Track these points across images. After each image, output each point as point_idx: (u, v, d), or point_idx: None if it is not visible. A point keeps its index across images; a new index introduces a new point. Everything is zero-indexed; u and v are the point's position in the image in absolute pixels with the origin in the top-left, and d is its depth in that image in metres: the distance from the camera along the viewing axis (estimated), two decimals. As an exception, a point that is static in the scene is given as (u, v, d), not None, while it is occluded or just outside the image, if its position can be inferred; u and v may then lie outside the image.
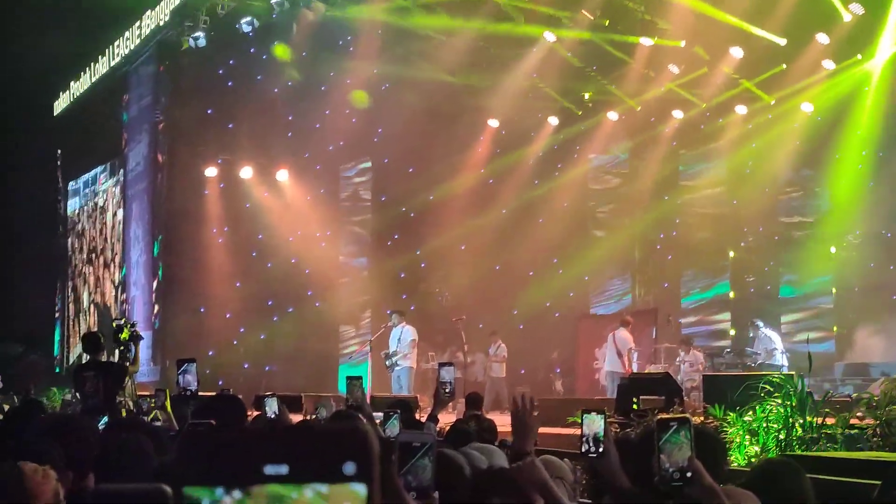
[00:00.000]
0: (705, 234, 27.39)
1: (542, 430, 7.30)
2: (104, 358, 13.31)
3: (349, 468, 1.23)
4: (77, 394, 14.27)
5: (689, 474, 3.44)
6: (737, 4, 21.44)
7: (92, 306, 27.89)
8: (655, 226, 28.00)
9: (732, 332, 25.96)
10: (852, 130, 24.71)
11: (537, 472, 4.29)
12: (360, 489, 1.23)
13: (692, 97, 25.26)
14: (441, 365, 7.77)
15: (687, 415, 3.65)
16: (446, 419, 14.50)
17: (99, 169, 27.78)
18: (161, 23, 23.33)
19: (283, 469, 1.22)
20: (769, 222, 26.91)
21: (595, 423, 4.69)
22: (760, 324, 20.59)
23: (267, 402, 8.85)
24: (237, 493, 1.22)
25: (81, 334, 21.77)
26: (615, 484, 4.78)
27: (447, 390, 7.55)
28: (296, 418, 9.91)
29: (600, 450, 4.65)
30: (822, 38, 22.74)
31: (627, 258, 28.23)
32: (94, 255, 28.20)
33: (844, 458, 9.14)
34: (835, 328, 24.89)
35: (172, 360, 22.02)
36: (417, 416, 10.33)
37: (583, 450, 4.69)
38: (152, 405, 9.83)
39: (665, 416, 3.58)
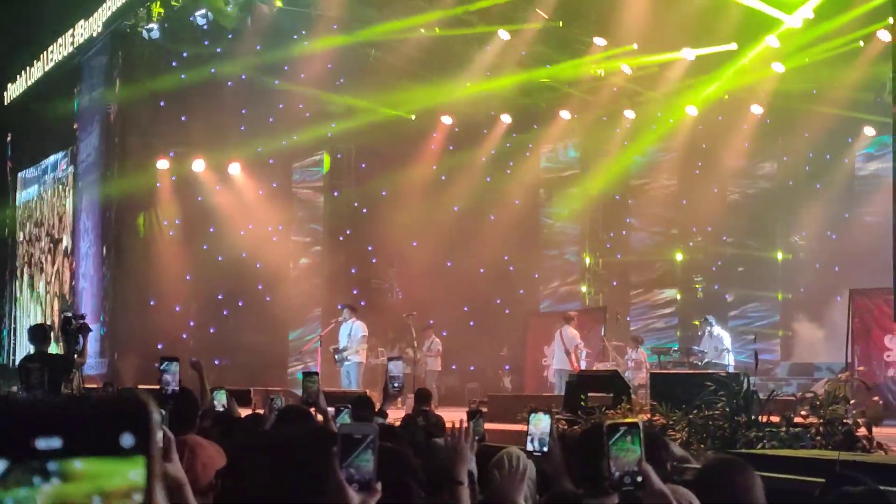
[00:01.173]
0: (655, 233, 27.66)
1: (491, 426, 7.39)
2: (50, 350, 13.23)
3: (127, 440, 1.13)
4: (23, 385, 14.18)
5: (639, 479, 3.49)
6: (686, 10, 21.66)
7: (48, 297, 27.64)
8: (605, 225, 28.21)
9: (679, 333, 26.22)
10: (800, 132, 25.07)
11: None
12: (138, 462, 1.13)
13: (642, 90, 25.39)
14: (390, 360, 7.85)
15: (637, 419, 3.69)
16: (395, 414, 14.57)
17: (59, 155, 27.49)
18: (115, 12, 23.17)
19: (56, 442, 1.12)
20: (718, 222, 27.17)
21: (542, 423, 4.76)
22: (712, 320, 20.79)
23: (216, 394, 8.89)
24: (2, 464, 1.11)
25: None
26: (555, 483, 4.86)
27: (396, 385, 7.62)
28: (244, 412, 9.92)
29: (544, 449, 4.73)
30: (772, 41, 23.01)
31: (577, 256, 28.40)
32: (51, 244, 27.92)
33: (788, 456, 9.30)
34: (780, 332, 25.18)
35: (121, 352, 21.98)
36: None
37: (528, 448, 4.76)
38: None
39: (614, 420, 3.61)
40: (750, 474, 4.58)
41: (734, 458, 5.27)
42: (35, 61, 27.01)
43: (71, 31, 25.08)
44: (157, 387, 7.32)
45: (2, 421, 1.14)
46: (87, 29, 24.44)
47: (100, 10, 23.72)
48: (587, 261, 28.12)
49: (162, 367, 7.11)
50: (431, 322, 23.24)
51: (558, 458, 4.72)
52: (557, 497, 4.74)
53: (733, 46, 23.19)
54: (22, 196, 29.95)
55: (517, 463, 4.89)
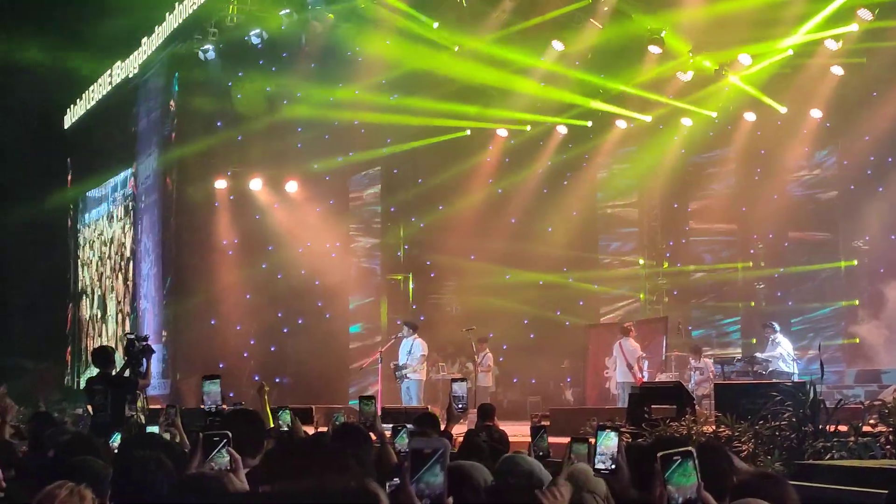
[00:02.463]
0: (715, 241, 27.41)
1: (554, 440, 7.30)
2: (115, 371, 13.30)
3: None
4: (88, 408, 14.29)
5: (613, 465, 3.48)
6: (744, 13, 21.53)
7: (111, 317, 27.88)
8: (665, 234, 28.00)
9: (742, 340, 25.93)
10: (860, 135, 24.73)
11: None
12: None
13: (699, 110, 25.23)
14: (454, 380, 7.81)
15: (689, 448, 3.57)
16: (458, 429, 14.50)
17: (120, 178, 27.77)
18: (171, 35, 23.40)
19: None
20: (779, 229, 26.85)
21: (610, 441, 4.69)
22: (777, 326, 20.51)
23: (280, 414, 8.88)
24: None
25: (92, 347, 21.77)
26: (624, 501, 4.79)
27: (460, 406, 7.59)
28: (307, 430, 9.91)
29: (612, 467, 4.66)
30: (831, 44, 22.80)
31: (637, 267, 28.21)
32: (111, 266, 28.17)
33: (857, 466, 9.12)
34: (845, 339, 24.76)
35: (183, 373, 22.12)
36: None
37: (597, 466, 4.70)
38: (164, 422, 9.85)
39: (667, 451, 3.52)
40: (785, 488, 4.47)
41: (770, 473, 5.15)
42: (94, 85, 27.31)
43: (129, 55, 25.34)
44: (213, 406, 7.35)
45: None
46: (143, 52, 24.69)
47: (156, 32, 23.96)
48: (647, 270, 27.91)
49: (204, 385, 7.14)
50: (490, 335, 23.15)
51: (627, 477, 4.65)
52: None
53: (789, 52, 23.08)
54: (91, 215, 30.18)
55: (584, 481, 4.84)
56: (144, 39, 24.52)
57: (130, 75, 25.56)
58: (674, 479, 3.42)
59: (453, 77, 23.98)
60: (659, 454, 3.50)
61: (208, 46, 22.63)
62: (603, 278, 28.20)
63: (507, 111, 25.28)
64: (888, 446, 10.52)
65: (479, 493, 4.63)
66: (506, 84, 24.77)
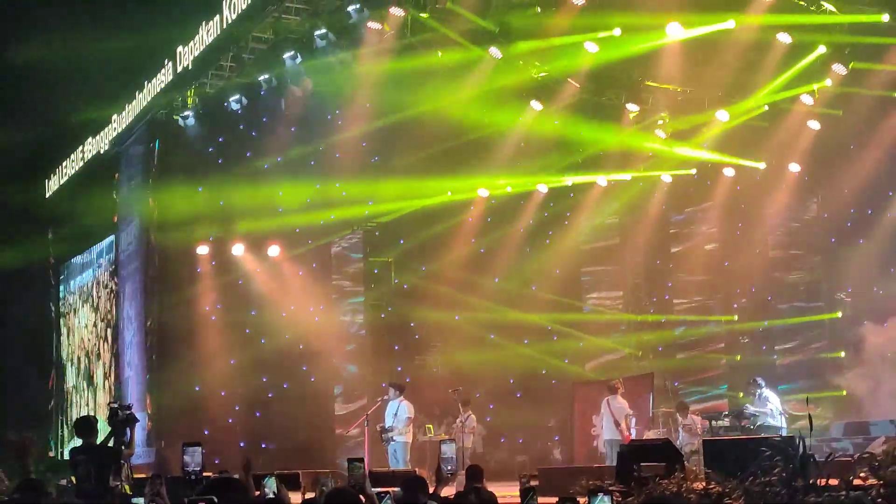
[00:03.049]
0: (698, 296, 27.47)
1: (544, 500, 7.27)
2: (98, 441, 13.18)
3: None
4: (72, 478, 14.13)
5: None
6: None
7: (98, 386, 27.71)
8: (648, 290, 28.06)
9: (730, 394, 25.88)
10: (839, 188, 24.95)
11: None
12: None
13: (677, 172, 25.48)
14: (443, 442, 7.77)
15: None
16: (447, 491, 14.38)
17: (105, 244, 27.73)
18: (150, 102, 23.48)
19: None
20: (761, 283, 26.95)
21: None
22: (762, 382, 20.48)
23: (266, 482, 8.80)
24: None
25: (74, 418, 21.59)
26: None
27: (449, 468, 7.55)
28: (294, 496, 9.82)
29: None
30: (806, 99, 23.09)
31: (621, 322, 28.23)
32: (97, 333, 28.04)
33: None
34: (843, 392, 24.74)
35: (168, 441, 21.91)
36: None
37: None
38: (149, 493, 9.75)
39: None
40: None
41: None
42: (74, 154, 27.34)
43: (108, 123, 25.41)
44: (194, 473, 7.29)
45: None
46: (123, 119, 24.76)
47: (136, 100, 24.05)
48: (631, 326, 27.93)
49: (186, 453, 7.11)
50: (477, 395, 23.05)
51: None
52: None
53: (765, 108, 23.37)
54: (76, 282, 30.06)
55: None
56: (126, 107, 24.57)
57: (110, 143, 25.58)
58: None
59: (433, 138, 24.12)
60: None
61: (188, 113, 22.73)
62: (588, 336, 28.19)
63: (485, 176, 25.46)
64: (879, 500, 10.46)
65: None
66: (486, 145, 24.96)
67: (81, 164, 27.26)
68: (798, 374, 25.85)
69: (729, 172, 25.71)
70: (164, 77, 23.00)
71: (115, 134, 25.25)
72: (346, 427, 24.39)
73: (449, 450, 7.66)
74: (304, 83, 22.31)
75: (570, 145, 25.43)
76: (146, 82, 23.53)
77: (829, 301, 26.02)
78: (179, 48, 22.46)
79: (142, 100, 23.89)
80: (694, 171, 25.92)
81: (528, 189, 26.79)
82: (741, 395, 24.58)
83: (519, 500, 11.16)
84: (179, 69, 22.48)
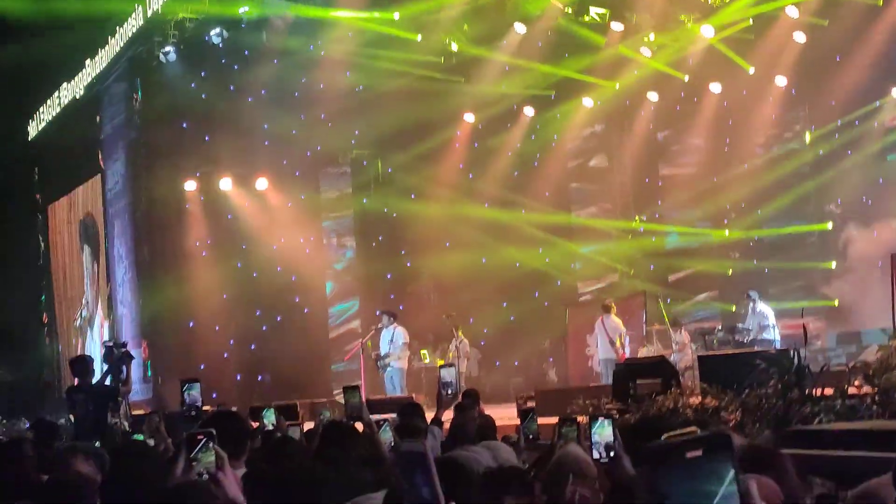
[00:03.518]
0: (688, 214, 27.47)
1: (542, 420, 7.28)
2: (94, 380, 13.22)
3: None
4: (71, 417, 14.18)
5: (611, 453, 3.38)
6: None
7: (95, 325, 27.71)
8: (638, 209, 28.05)
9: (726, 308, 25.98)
10: (826, 100, 24.86)
11: None
12: None
13: (668, 70, 25.25)
14: (442, 367, 7.77)
15: (694, 428, 3.49)
16: (446, 416, 14.47)
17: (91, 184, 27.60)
18: (130, 39, 23.21)
19: None
20: (750, 198, 26.93)
21: (605, 430, 4.64)
22: (755, 296, 20.55)
23: (264, 413, 8.81)
24: None
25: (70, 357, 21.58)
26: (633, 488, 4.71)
27: (449, 392, 7.55)
28: (293, 426, 9.85)
29: (611, 454, 4.61)
30: (792, 11, 22.94)
31: (611, 242, 28.25)
32: (89, 274, 27.95)
33: (848, 429, 9.10)
34: (836, 302, 24.83)
35: (165, 377, 21.98)
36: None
37: (594, 456, 4.65)
38: (147, 429, 9.77)
39: (672, 433, 3.45)
40: (781, 461, 4.40)
41: (761, 447, 5.03)
42: (56, 94, 27.08)
43: (89, 61, 25.14)
44: (195, 409, 7.30)
45: None
46: (103, 58, 24.48)
47: (115, 37, 23.75)
48: (623, 247, 27.96)
49: (183, 389, 7.10)
50: (471, 320, 23.12)
51: (628, 465, 4.58)
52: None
53: (749, 21, 23.21)
54: (65, 221, 29.91)
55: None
56: (105, 45, 24.28)
57: (91, 82, 25.32)
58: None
59: (417, 63, 23.97)
60: (666, 436, 3.42)
61: (168, 48, 22.48)
62: (579, 257, 28.26)
63: (473, 94, 25.31)
64: (875, 407, 10.54)
65: (473, 484, 4.59)
66: (469, 67, 24.82)
67: (59, 108, 26.95)
68: (790, 285, 25.94)
69: (715, 88, 25.58)
70: (143, 13, 22.67)
71: (97, 71, 24.94)
72: (341, 355, 24.53)
73: (448, 374, 7.65)
74: (284, 14, 22.08)
75: (556, 67, 25.26)
76: (127, 19, 23.22)
77: (818, 213, 26.03)
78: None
79: (121, 38, 23.57)
80: (686, 77, 25.70)
81: (515, 113, 26.65)
82: (733, 308, 24.72)
83: (516, 422, 11.24)
84: (150, 13, 22.20)
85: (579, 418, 6.15)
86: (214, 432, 4.31)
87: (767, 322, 19.92)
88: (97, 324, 27.22)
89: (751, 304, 20.48)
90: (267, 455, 6.85)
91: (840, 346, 22.12)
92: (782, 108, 25.98)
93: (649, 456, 2.06)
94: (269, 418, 8.69)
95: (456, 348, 21.98)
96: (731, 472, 2.00)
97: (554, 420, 6.15)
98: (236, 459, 5.39)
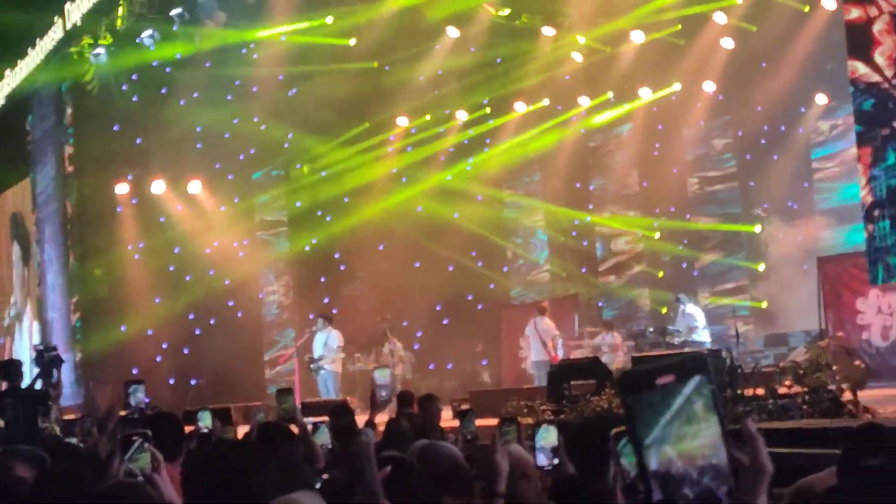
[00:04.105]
0: (618, 217, 27.75)
1: (480, 421, 7.34)
2: (24, 384, 13.07)
3: None
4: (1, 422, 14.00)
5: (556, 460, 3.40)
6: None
7: (13, 325, 27.35)
8: (568, 214, 28.22)
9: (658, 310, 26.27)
10: (752, 106, 25.28)
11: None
12: None
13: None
14: (376, 368, 7.80)
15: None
16: (379, 419, 14.49)
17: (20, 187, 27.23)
18: (59, 41, 22.95)
19: None
20: (680, 202, 27.29)
21: (550, 435, 4.71)
22: (684, 299, 20.83)
23: (200, 416, 8.78)
24: None
25: None
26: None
27: (383, 394, 7.57)
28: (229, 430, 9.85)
29: (555, 461, 4.67)
30: (720, 17, 23.32)
31: (543, 246, 28.44)
32: (14, 274, 27.60)
33: (780, 428, 9.28)
34: (764, 304, 25.21)
35: (96, 381, 21.73)
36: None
37: (539, 463, 4.71)
38: (80, 432, 9.71)
39: (619, 429, 3.46)
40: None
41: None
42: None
43: (19, 61, 24.79)
44: (140, 410, 7.27)
45: None
46: (33, 59, 24.17)
47: (45, 38, 23.47)
48: (555, 247, 28.15)
49: (128, 391, 7.06)
50: (404, 323, 23.12)
51: (571, 472, 4.65)
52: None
53: (678, 27, 23.53)
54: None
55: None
56: (35, 46, 23.95)
57: (20, 84, 24.97)
58: (626, 456, 3.35)
59: (348, 69, 23.98)
60: (613, 432, 3.44)
61: (99, 50, 22.30)
62: (511, 259, 28.45)
63: (406, 98, 25.36)
64: (805, 406, 10.76)
65: (417, 481, 4.63)
66: (402, 71, 24.87)
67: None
68: (719, 288, 26.32)
69: (645, 94, 25.88)
70: (73, 14, 22.42)
71: (26, 72, 24.57)
72: (275, 360, 24.46)
73: (382, 376, 7.67)
74: (217, 16, 21.99)
75: (488, 72, 25.40)
76: (56, 18, 22.95)
77: (747, 216, 26.43)
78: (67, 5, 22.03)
79: (50, 40, 23.28)
80: (611, 94, 26.04)
81: (447, 117, 26.72)
82: (664, 310, 25.01)
83: (453, 423, 11.30)
84: (69, 25, 22.02)
85: (519, 419, 6.23)
86: (150, 433, 4.31)
87: (696, 324, 20.21)
88: (25, 324, 26.89)
89: (680, 307, 20.77)
90: (203, 456, 6.85)
91: (768, 348, 22.49)
92: (710, 114, 26.39)
93: (620, 387, 1.97)
94: (205, 421, 8.67)
95: (390, 351, 22.03)
96: (709, 398, 1.85)
97: (488, 422, 6.22)
98: (172, 462, 5.37)
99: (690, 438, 1.84)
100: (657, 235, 27.12)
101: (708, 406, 1.84)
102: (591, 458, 4.24)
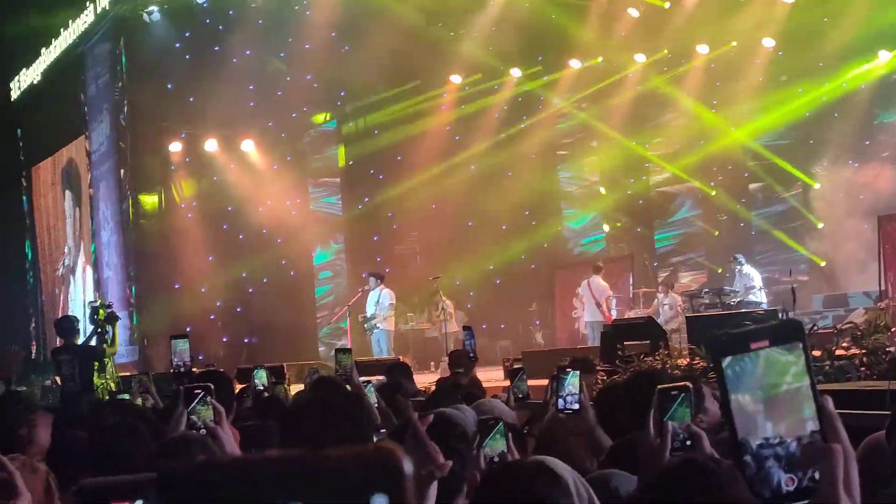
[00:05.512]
0: (675, 174, 27.46)
1: (532, 382, 7.26)
2: (80, 340, 13.18)
3: (379, 502, 0.99)
4: (57, 378, 14.14)
5: (688, 442, 3.33)
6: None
7: (67, 275, 27.61)
8: (625, 171, 27.99)
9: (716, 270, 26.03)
10: (814, 61, 24.85)
11: None
12: None
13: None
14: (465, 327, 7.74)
15: (686, 383, 3.45)
16: (430, 378, 14.46)
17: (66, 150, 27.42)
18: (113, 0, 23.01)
19: None
20: (738, 159, 26.95)
21: (574, 381, 4.65)
22: (742, 259, 20.57)
23: (255, 374, 8.76)
24: None
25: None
26: (594, 441, 4.69)
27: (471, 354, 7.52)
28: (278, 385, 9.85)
29: (575, 406, 4.61)
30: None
31: (599, 205, 28.22)
32: (73, 235, 27.83)
33: (837, 389, 9.12)
34: (821, 262, 24.91)
35: (151, 339, 21.92)
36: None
37: (560, 406, 4.65)
38: (137, 389, 9.75)
39: (666, 385, 3.40)
40: None
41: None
42: (39, 54, 26.85)
43: (72, 21, 24.91)
44: (184, 364, 7.24)
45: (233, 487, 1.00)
46: (87, 17, 24.25)
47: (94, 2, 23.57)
48: (609, 208, 27.94)
49: (174, 345, 7.03)
50: (457, 282, 23.05)
51: (592, 416, 4.59)
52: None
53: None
54: (50, 184, 29.76)
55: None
56: (89, 4, 24.03)
57: (75, 42, 25.08)
58: (676, 414, 3.32)
59: (402, 25, 23.78)
60: (658, 388, 3.39)
61: (153, 8, 22.33)
62: (566, 219, 28.27)
63: (460, 55, 25.15)
64: (863, 368, 10.57)
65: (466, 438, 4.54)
66: (456, 27, 24.68)
67: (43, 69, 26.74)
68: (776, 247, 26.03)
69: (703, 50, 25.53)
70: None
71: (80, 31, 24.72)
72: (328, 318, 24.50)
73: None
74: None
75: (542, 27, 25.12)
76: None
77: (806, 174, 26.07)
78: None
79: (98, 4, 23.38)
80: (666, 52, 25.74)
81: (500, 73, 26.49)
82: (720, 270, 24.76)
83: (503, 384, 11.21)
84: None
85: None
86: (212, 386, 4.27)
87: (753, 284, 19.95)
88: (79, 274, 27.12)
89: (737, 267, 20.51)
90: (258, 413, 6.83)
91: (827, 309, 22.19)
92: (770, 69, 25.97)
93: (712, 346, 1.93)
94: (261, 378, 8.66)
95: (443, 310, 21.94)
96: (802, 365, 1.80)
97: (541, 382, 6.13)
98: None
99: (781, 406, 1.79)
100: (714, 193, 26.84)
101: (801, 374, 1.79)
102: (636, 412, 4.19)
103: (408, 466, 1.01)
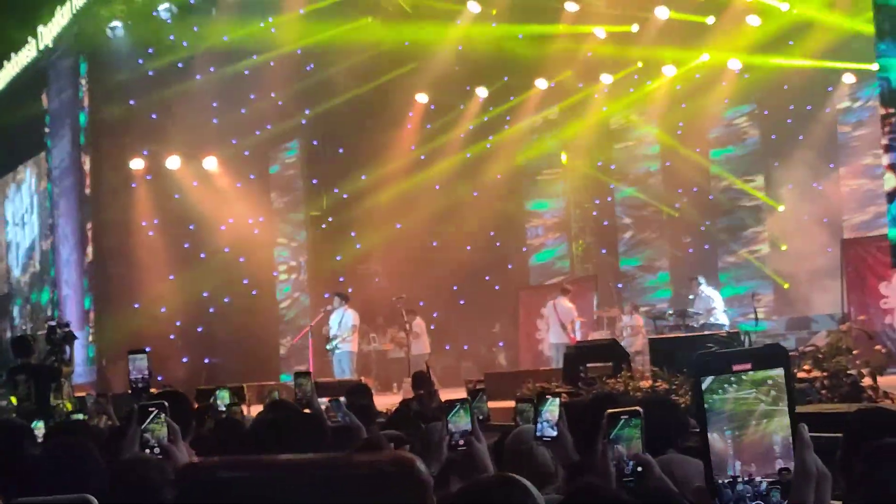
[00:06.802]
0: (640, 197, 27.50)
1: (492, 404, 7.15)
2: (35, 360, 12.99)
3: None
4: (12, 399, 13.91)
5: (639, 469, 3.30)
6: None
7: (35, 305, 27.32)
8: (590, 191, 27.99)
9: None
10: (779, 85, 25.00)
11: None
12: None
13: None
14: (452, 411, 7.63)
15: (637, 407, 3.43)
16: (392, 400, 14.35)
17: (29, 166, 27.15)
18: (76, 14, 22.81)
19: None
20: (702, 181, 27.04)
21: (554, 407, 4.60)
22: (702, 281, 20.58)
23: (218, 394, 8.63)
24: None
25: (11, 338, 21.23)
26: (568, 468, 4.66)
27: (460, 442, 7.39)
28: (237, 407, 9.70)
29: (554, 433, 4.57)
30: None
31: (564, 226, 28.19)
32: (29, 253, 27.56)
33: (798, 412, 9.08)
34: (786, 284, 24.98)
35: (109, 358, 21.67)
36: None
37: (538, 433, 4.61)
38: (94, 409, 9.61)
39: (615, 410, 3.40)
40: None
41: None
42: (1, 67, 26.57)
43: (33, 36, 24.67)
44: (142, 379, 7.09)
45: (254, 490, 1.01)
46: (48, 32, 24.04)
47: (61, 12, 23.33)
48: (574, 229, 27.91)
49: (132, 361, 6.88)
50: (420, 303, 22.96)
51: (570, 443, 4.54)
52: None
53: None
54: (10, 201, 29.44)
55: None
56: (51, 19, 23.83)
57: (36, 56, 24.85)
58: (622, 437, 3.32)
59: (368, 45, 23.75)
60: (607, 412, 3.39)
61: (116, 24, 22.15)
62: (530, 240, 28.22)
63: (426, 75, 25.11)
64: (823, 391, 10.59)
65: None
66: (422, 48, 24.63)
67: (5, 80, 26.47)
68: (740, 270, 26.10)
69: (669, 71, 25.59)
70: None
71: (41, 46, 24.49)
72: (289, 338, 24.31)
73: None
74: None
75: (509, 47, 25.12)
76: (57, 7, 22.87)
77: (772, 198, 26.17)
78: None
79: (67, 12, 23.18)
80: (639, 63, 25.76)
81: (467, 93, 26.47)
82: (684, 292, 24.81)
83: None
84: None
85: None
86: (167, 404, 4.18)
87: (713, 306, 19.95)
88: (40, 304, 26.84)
89: (698, 289, 20.52)
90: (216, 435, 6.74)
91: (790, 331, 22.25)
92: (735, 92, 26.09)
93: (693, 365, 1.94)
94: (223, 398, 8.55)
95: (410, 328, 21.83)
96: (783, 392, 1.81)
97: (504, 404, 6.07)
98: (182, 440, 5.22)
99: (756, 429, 1.82)
100: (677, 215, 26.90)
101: (779, 399, 1.81)
102: (586, 435, 4.21)
103: (427, 476, 1.05)
